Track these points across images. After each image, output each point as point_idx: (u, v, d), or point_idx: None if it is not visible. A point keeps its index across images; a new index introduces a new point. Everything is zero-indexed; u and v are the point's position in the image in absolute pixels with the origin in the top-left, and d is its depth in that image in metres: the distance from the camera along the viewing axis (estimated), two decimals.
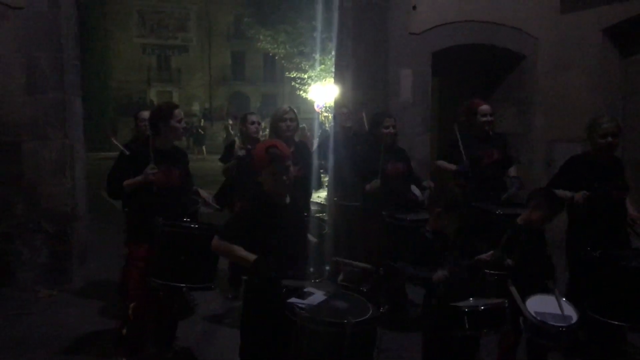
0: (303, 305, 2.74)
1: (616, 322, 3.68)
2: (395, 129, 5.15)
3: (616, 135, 4.20)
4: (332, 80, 25.13)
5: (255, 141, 5.73)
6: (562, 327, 3.27)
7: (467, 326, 3.09)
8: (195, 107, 40.17)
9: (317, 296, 2.86)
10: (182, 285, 4.02)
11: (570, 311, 3.39)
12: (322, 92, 24.61)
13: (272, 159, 3.09)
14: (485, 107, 5.22)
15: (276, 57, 28.61)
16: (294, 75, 26.06)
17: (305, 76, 25.57)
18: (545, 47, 8.72)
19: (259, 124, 5.77)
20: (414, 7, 7.84)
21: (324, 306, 2.81)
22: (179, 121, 4.15)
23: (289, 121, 4.78)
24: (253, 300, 3.09)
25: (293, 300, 2.79)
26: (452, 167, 5.16)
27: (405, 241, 4.63)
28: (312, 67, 24.73)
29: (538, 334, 3.28)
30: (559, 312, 3.34)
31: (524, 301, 3.35)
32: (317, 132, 22.78)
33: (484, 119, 5.20)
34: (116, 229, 8.99)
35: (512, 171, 5.34)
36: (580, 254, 3.88)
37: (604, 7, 7.84)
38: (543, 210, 3.64)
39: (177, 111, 4.14)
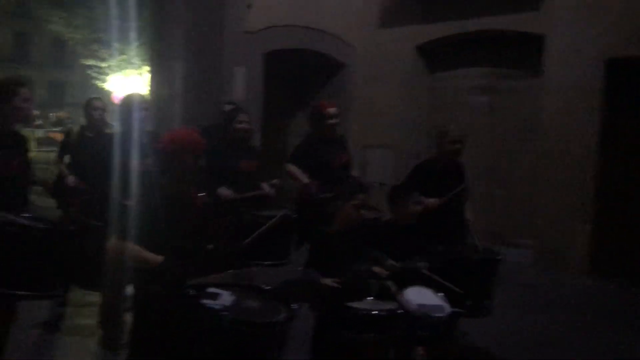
0: (218, 307, 2.60)
1: (457, 309, 4.04)
2: (249, 125, 5.09)
3: (463, 142, 4.67)
4: (134, 71, 23.79)
5: (99, 128, 5.26)
6: (443, 317, 3.52)
7: (359, 329, 3.15)
8: None
9: (226, 296, 2.73)
10: (23, 293, 3.52)
11: (441, 301, 3.66)
12: (123, 83, 23.31)
13: (197, 150, 2.93)
14: (332, 110, 5.34)
15: (71, 42, 26.28)
16: (91, 63, 24.25)
17: (104, 65, 23.97)
18: (363, 57, 9.37)
19: (104, 110, 5.34)
20: (249, 6, 7.89)
21: (239, 307, 2.70)
22: (26, 100, 3.63)
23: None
24: (150, 306, 2.81)
25: (206, 302, 2.63)
26: (304, 180, 5.23)
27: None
28: (111, 56, 23.27)
29: (419, 326, 3.46)
30: (435, 302, 3.61)
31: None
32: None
33: (332, 121, 5.32)
34: None
35: (354, 173, 5.55)
36: (427, 248, 4.24)
37: (419, 25, 8.68)
38: (407, 208, 3.98)
39: (23, 89, 3.62)
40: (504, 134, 8.37)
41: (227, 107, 5.82)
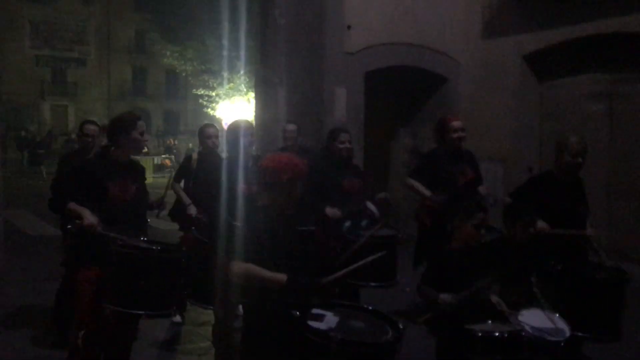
0: (325, 328, 2.61)
1: (580, 334, 3.78)
2: (351, 144, 5.07)
3: (584, 156, 4.30)
4: (241, 98, 24.79)
5: (212, 153, 5.48)
6: (561, 341, 3.30)
7: (480, 351, 3.04)
8: None
9: (330, 317, 2.72)
10: (140, 312, 3.72)
11: (561, 324, 3.44)
12: (230, 110, 24.35)
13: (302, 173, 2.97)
14: (457, 123, 5.19)
15: (183, 74, 27.92)
16: (201, 92, 25.56)
17: (213, 94, 25.17)
18: (467, 70, 9.12)
19: (216, 136, 5.57)
20: (349, 27, 7.94)
21: (345, 327, 2.69)
22: (142, 133, 3.89)
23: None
24: (261, 325, 2.85)
25: (313, 323, 2.63)
26: (427, 193, 5.13)
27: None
28: (220, 84, 24.42)
29: (537, 351, 3.26)
30: (552, 325, 3.38)
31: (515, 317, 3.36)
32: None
33: (457, 134, 5.16)
34: (27, 253, 8.37)
35: (483, 190, 5.30)
36: (544, 267, 3.99)
37: (524, 34, 8.32)
38: (520, 227, 3.79)
39: (140, 122, 3.88)
40: (624, 142, 7.78)
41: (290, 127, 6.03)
